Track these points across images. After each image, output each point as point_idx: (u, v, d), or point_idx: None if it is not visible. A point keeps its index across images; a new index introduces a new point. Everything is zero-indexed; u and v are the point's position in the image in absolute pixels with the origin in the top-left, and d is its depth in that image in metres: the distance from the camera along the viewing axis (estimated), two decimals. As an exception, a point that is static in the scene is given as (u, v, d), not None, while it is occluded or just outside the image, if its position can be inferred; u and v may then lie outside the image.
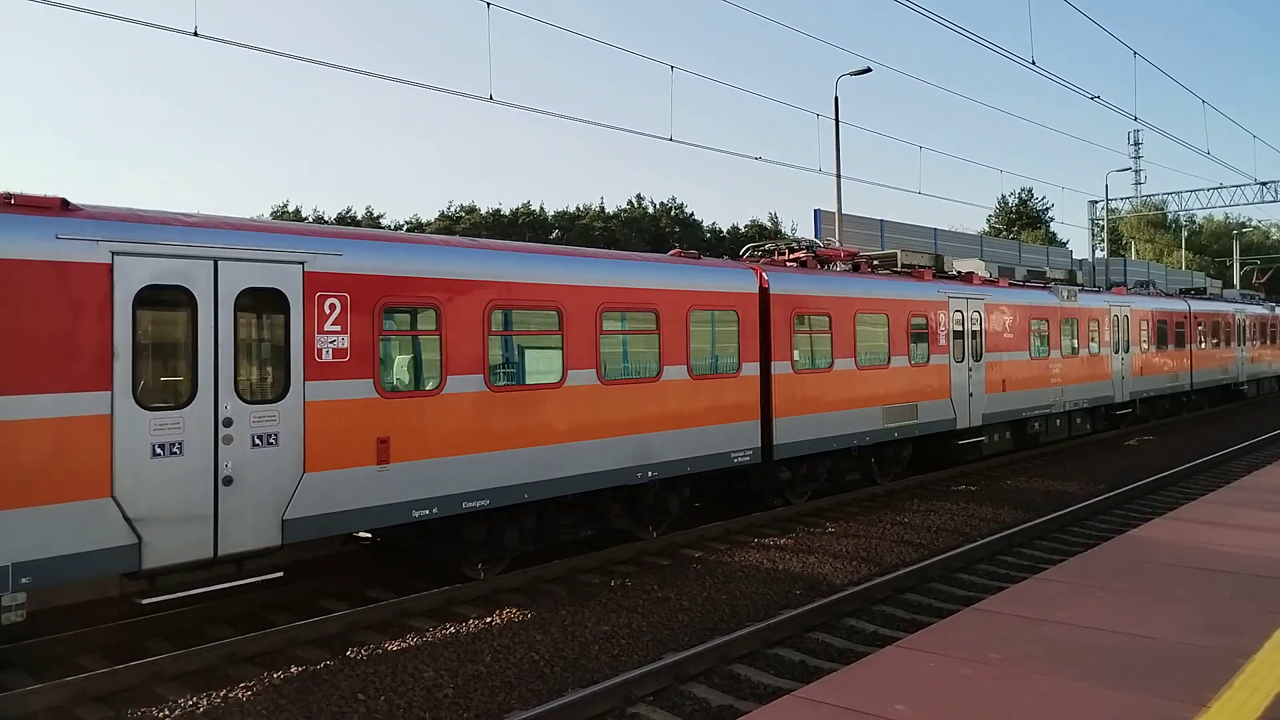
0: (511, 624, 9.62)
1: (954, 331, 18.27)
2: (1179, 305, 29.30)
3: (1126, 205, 67.87)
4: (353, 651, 8.89)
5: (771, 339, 14.34)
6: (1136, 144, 75.22)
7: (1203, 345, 30.19)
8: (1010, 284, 21.22)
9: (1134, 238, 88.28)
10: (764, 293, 14.34)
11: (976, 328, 19.03)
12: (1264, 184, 52.09)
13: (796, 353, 14.88)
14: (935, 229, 46.28)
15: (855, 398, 15.81)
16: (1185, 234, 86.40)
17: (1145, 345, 26.02)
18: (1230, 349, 32.62)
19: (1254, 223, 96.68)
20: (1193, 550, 9.20)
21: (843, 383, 15.60)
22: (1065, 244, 78.63)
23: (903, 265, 18.74)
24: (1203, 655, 6.17)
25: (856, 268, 17.54)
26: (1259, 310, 37.20)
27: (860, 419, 15.87)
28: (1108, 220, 60.40)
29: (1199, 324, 30.08)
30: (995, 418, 19.42)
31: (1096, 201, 58.99)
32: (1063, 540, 13.45)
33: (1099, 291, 25.63)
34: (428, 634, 9.39)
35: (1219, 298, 34.24)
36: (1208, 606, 7.28)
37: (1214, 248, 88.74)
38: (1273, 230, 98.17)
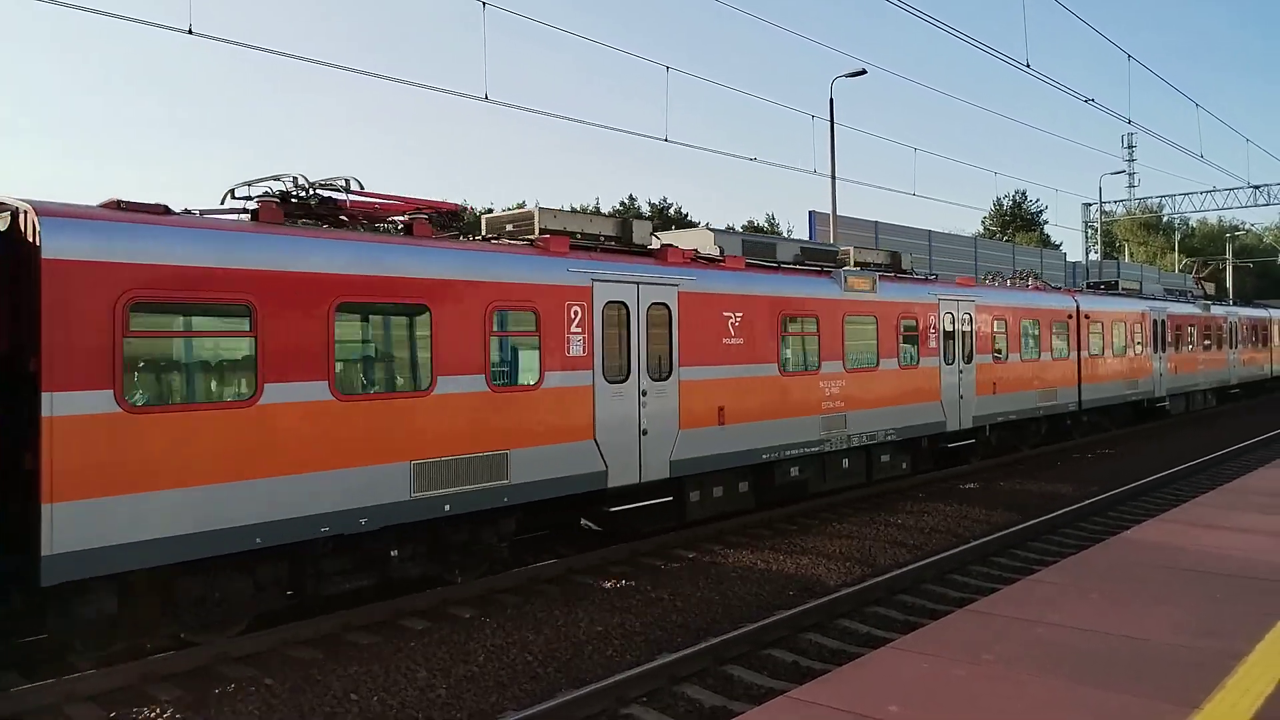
0: (505, 624, 9.61)
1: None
2: (1058, 302, 23.17)
3: (1120, 208, 68.06)
4: (345, 652, 8.88)
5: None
6: (1130, 147, 75.25)
7: (1101, 352, 24.34)
8: (750, 265, 14.57)
9: (1128, 240, 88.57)
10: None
11: (662, 329, 12.51)
12: (1257, 187, 52.35)
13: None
14: (930, 231, 46.32)
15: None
16: (1179, 237, 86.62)
17: (1002, 353, 20.01)
18: (1142, 356, 26.63)
19: (1247, 225, 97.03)
20: (1185, 552, 9.22)
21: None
22: (1059, 246, 78.85)
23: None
24: (1194, 657, 6.19)
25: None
26: (1187, 309, 30.71)
27: None
28: (1101, 223, 60.57)
29: (1094, 325, 24.18)
30: (718, 462, 13.24)
31: (1090, 204, 59.20)
32: (1055, 542, 13.48)
33: (924, 281, 18.72)
34: (421, 634, 9.38)
35: (1134, 294, 28.48)
36: (1200, 608, 7.30)
37: (1207, 250, 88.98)
38: (1266, 234, 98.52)
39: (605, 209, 63.29)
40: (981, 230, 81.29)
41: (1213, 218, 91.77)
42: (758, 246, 15.88)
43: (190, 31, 12.97)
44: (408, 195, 10.99)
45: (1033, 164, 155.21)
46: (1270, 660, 6.10)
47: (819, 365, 15.12)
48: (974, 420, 18.95)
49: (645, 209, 64.66)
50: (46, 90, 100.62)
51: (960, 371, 18.60)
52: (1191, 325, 30.38)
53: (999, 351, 19.95)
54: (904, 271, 18.38)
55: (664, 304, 12.58)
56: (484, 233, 12.55)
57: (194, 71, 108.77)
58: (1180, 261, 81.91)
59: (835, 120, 29.29)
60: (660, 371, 12.47)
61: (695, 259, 13.64)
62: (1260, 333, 38.15)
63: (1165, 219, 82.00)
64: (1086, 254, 61.55)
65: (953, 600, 10.44)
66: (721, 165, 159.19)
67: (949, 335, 18.33)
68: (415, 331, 10.19)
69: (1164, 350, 27.87)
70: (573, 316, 11.46)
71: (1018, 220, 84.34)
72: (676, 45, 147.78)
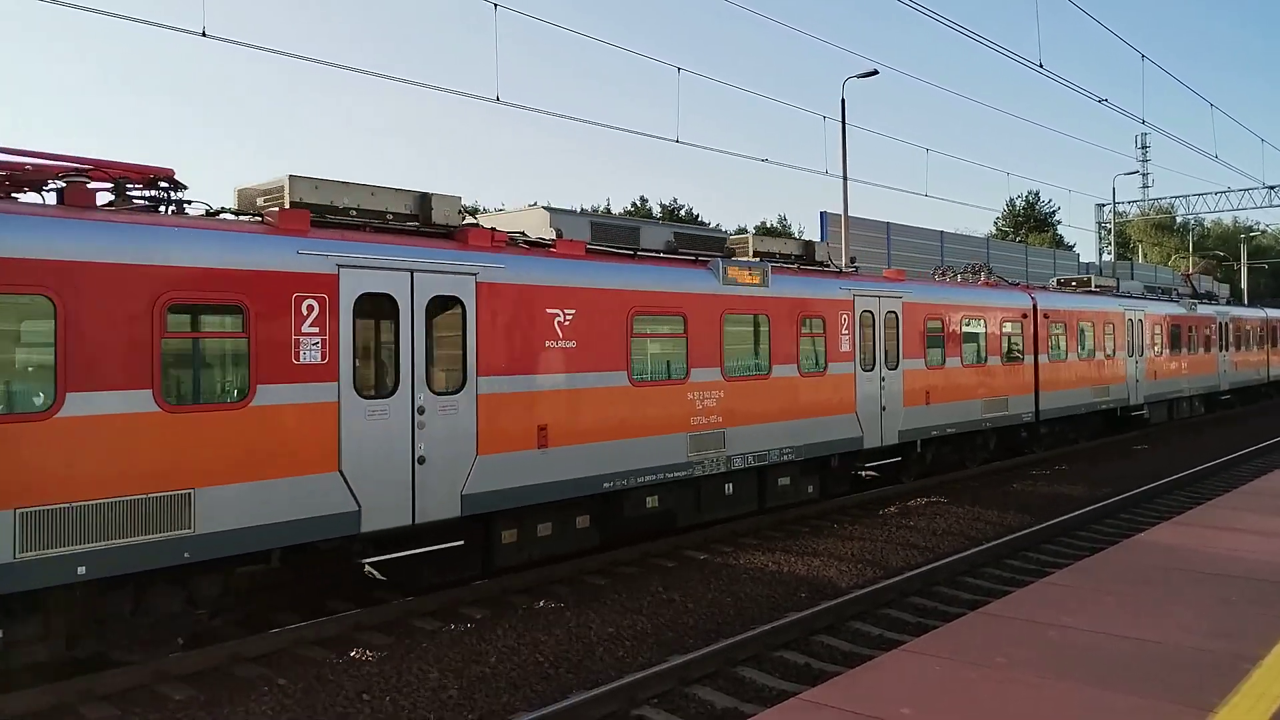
0: (517, 625, 9.62)
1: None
2: (1010, 299, 20.40)
3: (1134, 209, 67.71)
4: (357, 652, 8.90)
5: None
6: (1144, 147, 75.00)
7: (1064, 355, 21.82)
8: (594, 253, 12.07)
9: (1141, 241, 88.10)
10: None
11: (454, 330, 10.20)
12: (1271, 187, 52.04)
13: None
14: (942, 232, 46.23)
15: None
16: (1193, 237, 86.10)
17: (938, 357, 17.51)
18: (1116, 360, 24.09)
19: (1262, 226, 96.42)
20: (1199, 555, 9.17)
21: None
22: (1072, 247, 78.54)
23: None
24: (1209, 660, 6.15)
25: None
26: (1170, 309, 28.03)
27: None
28: (1115, 224, 60.27)
29: (1055, 325, 21.70)
30: (539, 494, 10.76)
31: (1104, 205, 58.89)
32: (1069, 544, 13.42)
33: (835, 274, 16.04)
34: (433, 635, 9.41)
35: (1108, 291, 25.96)
36: (1215, 611, 7.25)
37: (1221, 251, 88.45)
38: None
39: (616, 210, 63.35)
40: (994, 231, 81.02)
41: (1227, 218, 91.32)
42: (612, 231, 12.92)
43: (204, 34, 13.05)
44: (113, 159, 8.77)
45: (1046, 164, 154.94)
46: (1286, 664, 6.05)
47: (687, 373, 12.49)
48: (900, 435, 16.34)
49: (656, 210, 64.66)
50: (64, 90, 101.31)
51: (882, 379, 15.97)
52: (1175, 326, 27.92)
53: (934, 356, 17.44)
54: (818, 263, 15.80)
55: (456, 298, 10.04)
56: (236, 206, 9.93)
57: (207, 73, 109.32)
58: (1192, 262, 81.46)
59: (847, 121, 29.23)
60: (449, 383, 9.99)
61: (508, 243, 11.05)
62: (1256, 335, 35.66)
63: (1179, 220, 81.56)
64: (1100, 255, 61.22)
65: (965, 602, 10.40)
66: (733, 166, 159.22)
67: (867, 337, 15.82)
68: (28, 333, 7.74)
69: (1142, 353, 25.47)
70: (305, 313, 8.88)
71: (1030, 221, 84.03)
72: (687, 46, 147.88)
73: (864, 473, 16.63)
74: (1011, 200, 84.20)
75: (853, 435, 15.39)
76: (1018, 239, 75.35)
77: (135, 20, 12.60)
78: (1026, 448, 21.38)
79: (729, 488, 13.40)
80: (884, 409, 16.03)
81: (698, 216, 65.88)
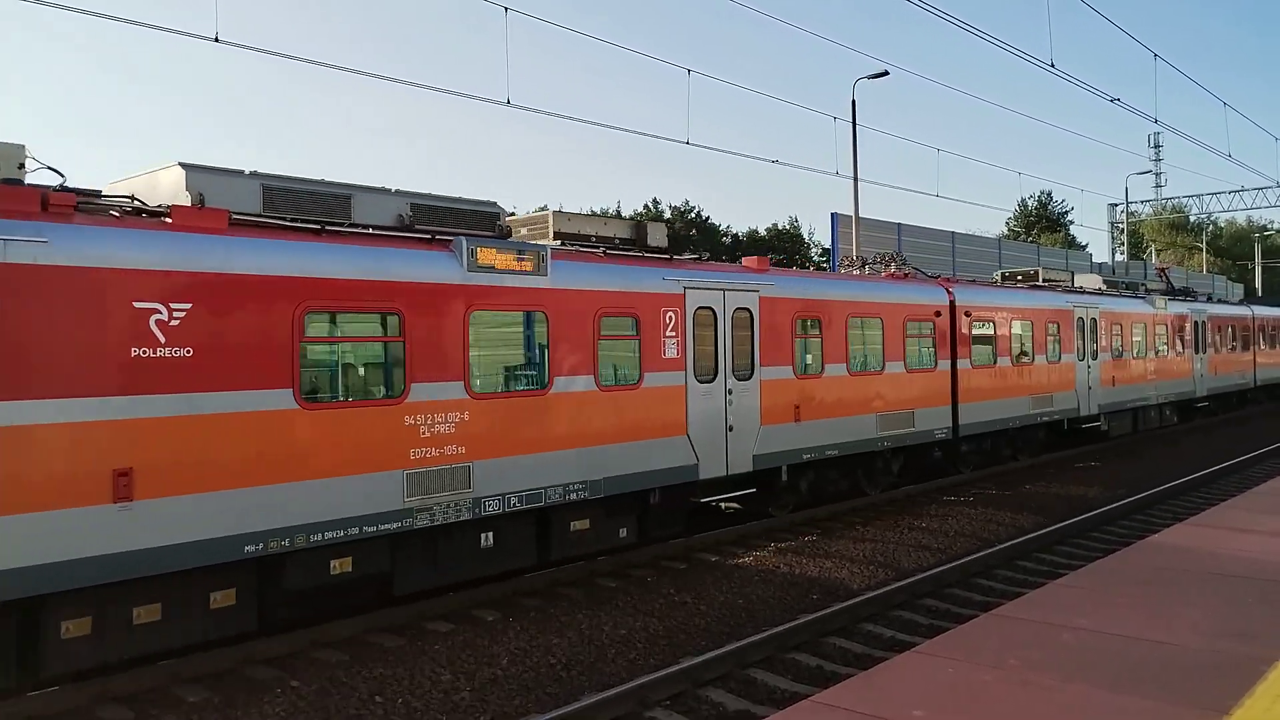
0: (528, 628, 9.64)
1: None
2: (917, 294, 17.46)
3: (1147, 208, 67.41)
4: (371, 654, 8.94)
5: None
6: (1157, 146, 74.47)
7: (991, 360, 18.82)
8: (242, 225, 8.90)
9: (1155, 241, 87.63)
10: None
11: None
12: (1286, 186, 51.60)
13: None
14: (953, 232, 46.06)
15: None
16: (1206, 237, 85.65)
17: (813, 364, 14.74)
18: (1063, 365, 21.06)
19: (1276, 225, 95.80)
20: (1214, 556, 9.12)
21: None
22: (1085, 247, 78.14)
23: None
24: (1224, 663, 6.12)
25: None
26: (1132, 306, 24.89)
27: None
28: (1128, 223, 60.00)
29: (980, 324, 18.61)
30: (126, 565, 7.68)
31: (1116, 204, 58.67)
32: (1082, 546, 13.37)
33: (661, 262, 12.79)
34: (445, 637, 9.43)
35: (1054, 286, 22.99)
36: (1229, 613, 7.22)
37: (1235, 250, 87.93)
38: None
39: (626, 212, 63.37)
40: (1005, 231, 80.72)
41: (1241, 217, 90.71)
42: (305, 198, 9.64)
43: (217, 39, 13.13)
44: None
45: (1058, 164, 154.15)
46: (1301, 666, 6.01)
47: (405, 390, 9.53)
48: (756, 461, 13.47)
49: (668, 212, 64.66)
50: (83, 92, 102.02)
51: (729, 393, 13.07)
52: (1139, 325, 24.87)
53: (808, 362, 14.72)
54: (654, 249, 13.04)
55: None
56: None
57: (221, 77, 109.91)
58: (1206, 261, 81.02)
59: (857, 122, 29.17)
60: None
61: (77, 209, 7.92)
62: (1238, 334, 31.94)
63: (1193, 219, 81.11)
64: (1113, 255, 61.00)
65: (977, 604, 10.37)
66: (744, 168, 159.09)
67: (706, 340, 12.89)
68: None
69: (1096, 357, 22.38)
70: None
71: (1043, 221, 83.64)
72: (697, 48, 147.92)
73: (723, 505, 14.31)
74: (1023, 200, 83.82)
75: (683, 463, 12.34)
76: (1030, 239, 75.03)
77: (150, 26, 12.68)
78: (952, 468, 18.81)
79: (486, 539, 10.35)
80: (731, 429, 13.08)
81: (708, 218, 65.76)
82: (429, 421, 9.68)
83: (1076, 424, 21.80)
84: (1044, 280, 23.21)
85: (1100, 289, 24.76)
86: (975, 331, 18.44)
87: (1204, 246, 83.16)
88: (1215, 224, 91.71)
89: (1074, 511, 15.45)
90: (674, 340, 12.40)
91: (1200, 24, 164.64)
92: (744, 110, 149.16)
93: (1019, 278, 23.53)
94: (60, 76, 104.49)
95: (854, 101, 29.27)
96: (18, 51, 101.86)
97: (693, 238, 60.17)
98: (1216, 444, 24.41)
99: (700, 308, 12.84)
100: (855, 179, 29.40)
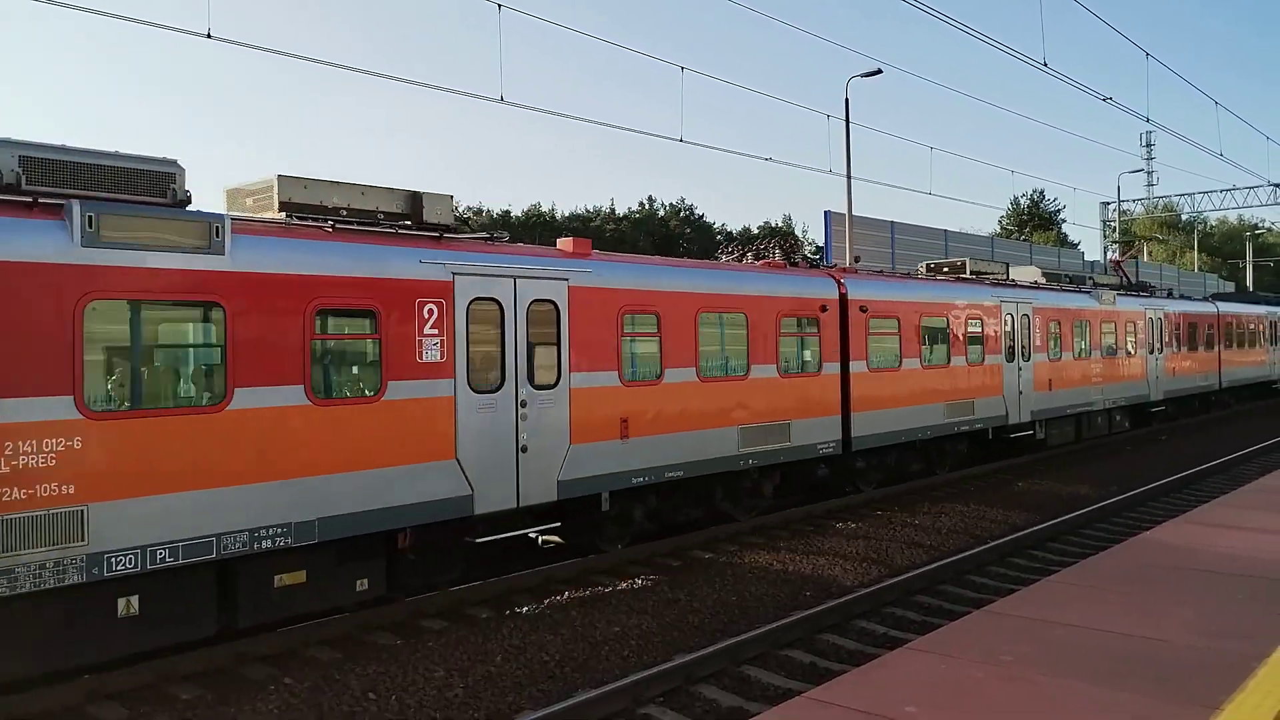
0: (522, 625, 9.65)
1: None
2: (796, 286, 14.99)
3: (1139, 207, 67.60)
4: (364, 651, 8.93)
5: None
6: (1149, 145, 74.81)
7: (894, 363, 16.52)
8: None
9: (1146, 239, 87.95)
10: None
11: None
12: (1277, 185, 51.92)
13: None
14: (946, 230, 46.16)
15: None
16: (1198, 236, 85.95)
17: (652, 370, 12.42)
18: (987, 368, 18.74)
19: (1268, 224, 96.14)
20: (1205, 553, 9.16)
21: None
22: (1077, 245, 78.37)
23: None
24: (1215, 659, 6.15)
25: None
26: (1073, 302, 22.59)
27: None
28: (1120, 222, 60.18)
29: (882, 323, 16.39)
30: None
31: (1109, 203, 58.81)
32: (1074, 543, 13.42)
33: (418, 240, 10.23)
34: (439, 634, 9.44)
35: (983, 278, 20.29)
36: (1220, 610, 7.25)
37: (1227, 249, 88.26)
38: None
39: (621, 210, 63.33)
40: (998, 230, 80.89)
41: (1233, 216, 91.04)
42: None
43: (209, 36, 13.09)
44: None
45: (1050, 163, 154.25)
46: (1291, 662, 6.05)
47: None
48: (562, 489, 11.01)
49: (662, 210, 64.65)
50: (74, 92, 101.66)
51: (522, 406, 10.60)
52: (1082, 323, 22.51)
53: (638, 368, 12.26)
54: (432, 228, 10.36)
55: None
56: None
57: (213, 74, 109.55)
58: (1198, 260, 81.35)
59: (851, 120, 29.22)
60: None
61: None
62: (1200, 333, 29.39)
63: (1184, 218, 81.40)
64: (1105, 253, 61.09)
65: (970, 601, 10.41)
66: (738, 166, 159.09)
67: (485, 341, 10.45)
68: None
69: (1028, 358, 20.10)
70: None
71: (1035, 219, 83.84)
72: (691, 46, 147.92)
73: (541, 540, 12.37)
74: (1016, 199, 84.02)
75: (449, 495, 9.93)
76: (1022, 237, 75.21)
77: (142, 23, 12.63)
78: (849, 486, 16.44)
79: (127, 605, 7.89)
80: (525, 450, 10.60)
81: (702, 216, 65.77)
82: (13, 453, 7.16)
83: (1005, 433, 19.34)
84: (972, 272, 20.54)
85: (1037, 282, 22.68)
86: (874, 329, 16.10)
87: (1195, 245, 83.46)
88: (1206, 223, 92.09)
89: (1065, 509, 15.51)
90: (437, 340, 9.87)
91: (1193, 23, 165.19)
92: (738, 108, 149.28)
93: (945, 269, 20.99)
94: (55, 74, 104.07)
95: (847, 100, 29.34)
96: (14, 49, 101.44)
97: (687, 235, 60.21)
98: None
99: (478, 299, 10.34)
100: (849, 177, 29.46)
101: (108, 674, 8.01)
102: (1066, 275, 25.09)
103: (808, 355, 14.98)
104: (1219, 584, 8.02)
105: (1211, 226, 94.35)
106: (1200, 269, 78.27)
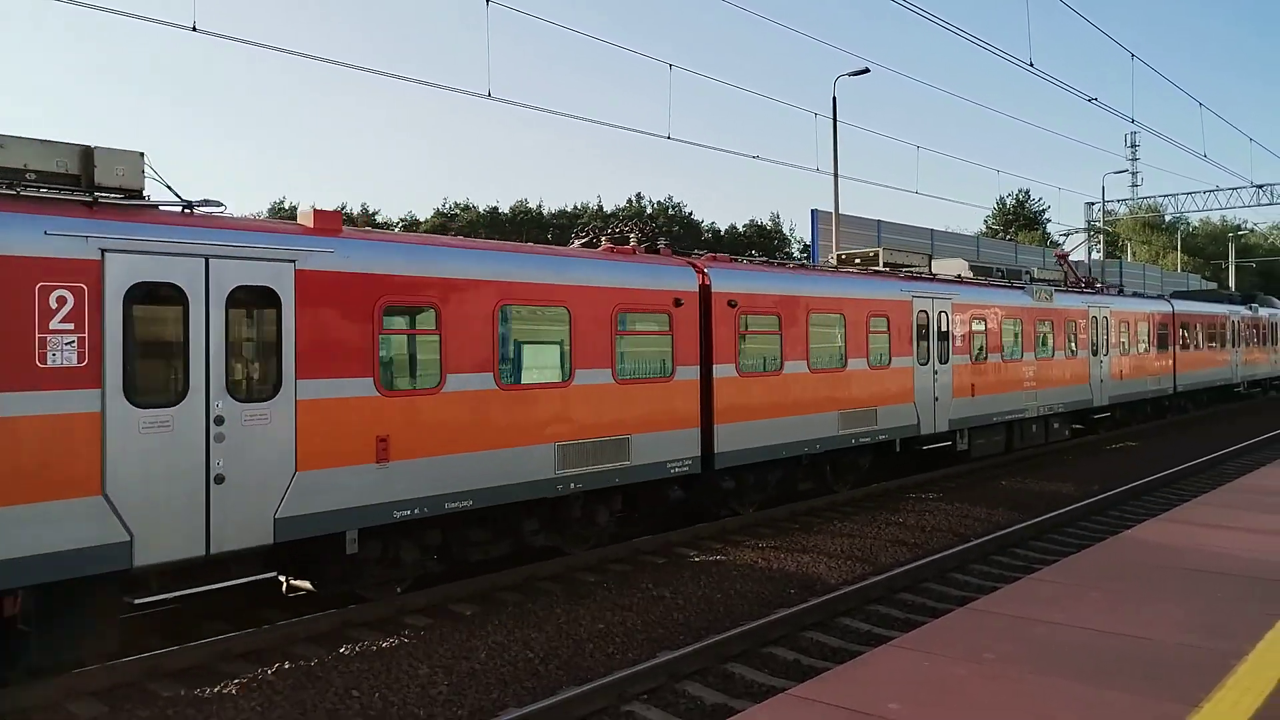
0: (506, 622, 9.63)
1: None
2: (640, 276, 12.66)
3: (1123, 207, 67.99)
4: (347, 648, 8.89)
5: None
6: (1133, 146, 75.39)
7: (773, 365, 14.45)
8: None
9: (1130, 240, 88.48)
10: None
11: None
12: (1259, 186, 52.23)
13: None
14: (932, 230, 46.33)
15: None
16: (1181, 236, 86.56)
17: (429, 373, 10.31)
18: (896, 370, 16.85)
19: (1250, 225, 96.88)
20: (1186, 551, 9.22)
21: None
22: (1062, 245, 78.71)
23: None
24: (1195, 656, 6.19)
25: None
26: (998, 298, 20.25)
27: None
28: (1104, 222, 60.50)
29: (751, 321, 14.25)
30: None
31: (1093, 203, 59.11)
32: (1056, 541, 13.49)
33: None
34: (422, 631, 9.40)
35: (895, 272, 18.33)
36: (1201, 607, 7.30)
37: (1210, 250, 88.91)
38: (1271, 233, 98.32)
39: (609, 207, 63.31)
40: (984, 229, 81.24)
41: (1216, 217, 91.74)
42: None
43: (194, 29, 12.98)
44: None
45: (1036, 163, 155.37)
46: (1271, 659, 6.10)
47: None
48: (281, 529, 8.77)
49: (650, 207, 64.69)
50: (53, 84, 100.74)
51: (215, 424, 8.38)
52: (1013, 321, 20.49)
53: (408, 373, 10.26)
54: (112, 191, 8.15)
55: None
56: None
57: (197, 68, 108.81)
58: (1181, 260, 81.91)
59: (838, 118, 29.27)
60: None
61: None
62: (1154, 333, 27.41)
63: (1168, 218, 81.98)
64: (1089, 253, 61.45)
65: (953, 599, 10.45)
66: (725, 163, 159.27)
67: (157, 338, 8.39)
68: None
69: (946, 360, 18.14)
70: None
71: (1020, 219, 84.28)
72: (679, 43, 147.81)
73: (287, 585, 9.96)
74: (1002, 199, 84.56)
75: (101, 541, 7.71)
76: (1008, 237, 75.56)
77: (125, 15, 12.54)
78: (716, 509, 14.31)
79: None
80: (221, 482, 8.37)
81: (691, 214, 65.84)
82: None
83: (918, 444, 17.50)
84: (886, 264, 18.52)
85: (961, 276, 20.49)
86: (747, 328, 14.03)
87: (1178, 245, 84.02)
88: (1190, 224, 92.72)
89: (1049, 507, 15.58)
90: (71, 339, 7.63)
91: (1178, 24, 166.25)
92: (726, 106, 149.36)
93: (856, 260, 19.01)
94: (46, 72, 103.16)
95: (835, 98, 29.39)
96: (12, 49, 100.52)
97: (675, 232, 60.25)
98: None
99: (145, 285, 8.08)
100: (835, 175, 29.51)
101: (86, 671, 7.95)
102: (999, 270, 22.44)
103: (655, 357, 12.73)
104: (1200, 582, 8.07)
105: (1194, 227, 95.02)
106: (1183, 269, 78.83)
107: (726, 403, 13.47)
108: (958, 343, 18.56)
